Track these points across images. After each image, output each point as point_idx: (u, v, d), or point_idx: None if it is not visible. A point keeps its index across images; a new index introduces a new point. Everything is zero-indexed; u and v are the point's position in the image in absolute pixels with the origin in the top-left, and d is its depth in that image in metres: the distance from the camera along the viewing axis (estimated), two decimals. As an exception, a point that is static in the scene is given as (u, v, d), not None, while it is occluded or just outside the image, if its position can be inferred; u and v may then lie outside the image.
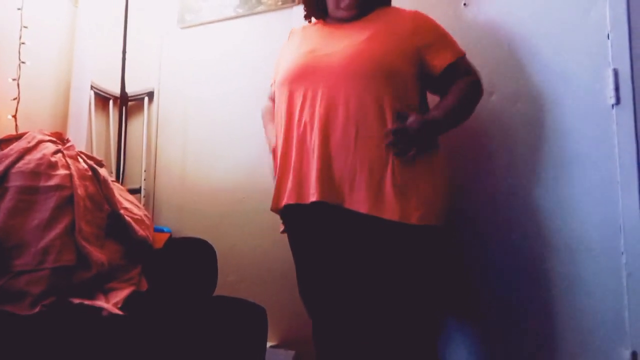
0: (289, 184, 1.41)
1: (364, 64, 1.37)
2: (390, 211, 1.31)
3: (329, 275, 1.41)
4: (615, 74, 1.60)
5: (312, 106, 1.39)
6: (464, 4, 1.82)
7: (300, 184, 1.39)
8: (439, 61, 1.43)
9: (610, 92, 1.60)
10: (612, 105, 1.60)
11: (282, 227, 1.56)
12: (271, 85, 1.71)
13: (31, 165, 1.60)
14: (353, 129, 1.34)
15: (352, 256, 1.38)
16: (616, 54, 1.61)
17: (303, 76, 1.42)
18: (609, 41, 1.62)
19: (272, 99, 1.69)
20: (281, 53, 1.65)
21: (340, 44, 1.42)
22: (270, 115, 1.66)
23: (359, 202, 1.33)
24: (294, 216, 1.47)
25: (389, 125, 1.34)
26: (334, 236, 1.39)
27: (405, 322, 1.34)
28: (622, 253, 1.55)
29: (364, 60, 1.37)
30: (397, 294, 1.34)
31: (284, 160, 1.45)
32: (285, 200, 1.42)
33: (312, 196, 1.34)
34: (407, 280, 1.34)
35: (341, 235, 1.38)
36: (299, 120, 1.41)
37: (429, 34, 1.45)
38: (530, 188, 1.68)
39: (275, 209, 1.49)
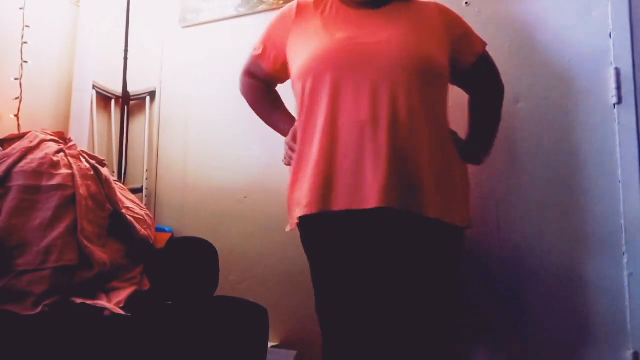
0: (339, 187, 1.25)
1: (420, 59, 1.29)
2: (454, 214, 1.30)
3: (375, 288, 1.28)
4: (617, 73, 1.60)
5: (372, 101, 1.25)
6: (466, 3, 1.82)
7: (357, 187, 1.23)
8: (471, 55, 1.43)
9: (612, 92, 1.60)
10: (614, 105, 1.60)
11: (290, 227, 1.39)
12: (258, 57, 1.50)
13: (33, 165, 1.61)
14: (416, 129, 1.26)
15: (409, 264, 1.27)
16: (618, 53, 1.61)
17: (350, 65, 1.28)
18: (611, 40, 1.62)
19: (252, 74, 1.55)
20: (288, 27, 1.43)
21: (382, 33, 1.31)
22: (259, 94, 1.58)
23: (429, 206, 1.25)
24: (342, 223, 1.28)
25: (442, 125, 1.35)
26: (393, 243, 1.27)
27: (440, 329, 1.31)
28: (624, 253, 1.55)
29: (418, 55, 1.29)
30: (442, 300, 1.31)
31: (327, 159, 1.27)
32: (336, 205, 1.26)
33: (376, 201, 1.20)
34: (450, 286, 1.34)
35: (402, 242, 1.27)
36: (353, 115, 1.26)
37: (458, 26, 1.43)
38: (531, 188, 1.68)
39: (317, 211, 1.27)
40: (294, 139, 1.39)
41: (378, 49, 1.29)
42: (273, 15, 1.50)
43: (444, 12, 1.43)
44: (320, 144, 1.28)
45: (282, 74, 1.48)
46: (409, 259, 1.27)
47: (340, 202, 1.25)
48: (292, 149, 1.40)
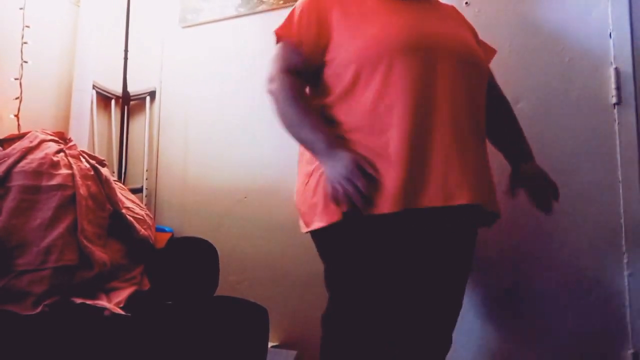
0: (431, 182, 1.14)
1: (477, 56, 1.30)
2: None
3: (436, 285, 1.27)
4: (617, 73, 1.60)
5: (451, 92, 1.19)
6: (466, 3, 1.81)
7: (447, 182, 1.14)
8: (487, 59, 1.44)
9: (612, 92, 1.60)
10: (614, 105, 1.60)
11: (326, 223, 1.19)
12: (296, 45, 1.28)
13: (33, 165, 1.61)
14: (482, 126, 1.28)
15: (464, 259, 1.30)
16: (618, 53, 1.61)
17: (424, 50, 1.19)
18: (611, 40, 1.62)
19: (291, 70, 1.27)
20: (329, 4, 1.28)
21: (436, 24, 1.27)
22: (300, 91, 1.27)
23: (494, 202, 1.28)
24: (429, 221, 1.19)
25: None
26: (462, 239, 1.29)
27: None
28: (624, 253, 1.55)
29: (476, 53, 1.30)
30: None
31: (416, 152, 1.14)
32: (426, 201, 1.13)
33: (468, 198, 1.14)
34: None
35: (467, 238, 1.30)
36: (436, 105, 1.17)
37: (474, 31, 1.45)
38: (532, 188, 1.67)
39: (401, 209, 1.12)
40: (360, 164, 1.12)
41: (445, 40, 1.24)
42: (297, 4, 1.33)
43: (461, 15, 1.46)
44: (406, 135, 1.14)
45: (318, 60, 1.27)
46: (465, 254, 1.30)
47: (431, 199, 1.13)
48: (358, 179, 1.10)
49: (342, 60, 1.23)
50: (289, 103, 1.25)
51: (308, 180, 1.26)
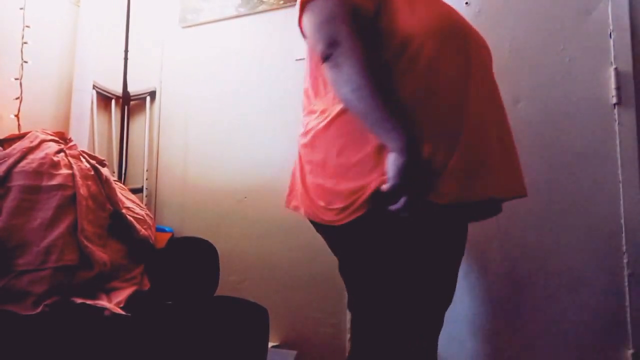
0: (489, 172, 1.06)
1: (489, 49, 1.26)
2: None
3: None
4: (617, 73, 1.60)
5: (489, 81, 1.17)
6: (466, 3, 1.82)
7: (506, 171, 1.10)
8: None
9: (612, 92, 1.60)
10: (614, 105, 1.60)
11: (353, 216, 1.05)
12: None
13: (34, 165, 1.61)
14: None
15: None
16: (618, 53, 1.61)
17: (467, 38, 1.14)
18: (611, 40, 1.62)
19: (353, 25, 1.05)
20: None
21: (457, 16, 1.22)
22: (375, 70, 1.04)
23: None
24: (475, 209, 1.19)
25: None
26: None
27: None
28: (624, 252, 1.55)
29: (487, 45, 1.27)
30: None
31: (477, 138, 1.06)
32: (491, 190, 1.06)
33: (524, 188, 1.16)
34: None
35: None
36: (486, 92, 1.13)
37: None
38: (531, 188, 1.67)
39: (473, 198, 1.04)
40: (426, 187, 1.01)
41: (472, 32, 1.20)
42: None
43: None
44: (467, 119, 1.05)
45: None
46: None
47: (495, 189, 1.06)
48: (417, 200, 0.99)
49: (392, 30, 1.09)
50: (365, 75, 1.02)
51: (346, 171, 1.08)
